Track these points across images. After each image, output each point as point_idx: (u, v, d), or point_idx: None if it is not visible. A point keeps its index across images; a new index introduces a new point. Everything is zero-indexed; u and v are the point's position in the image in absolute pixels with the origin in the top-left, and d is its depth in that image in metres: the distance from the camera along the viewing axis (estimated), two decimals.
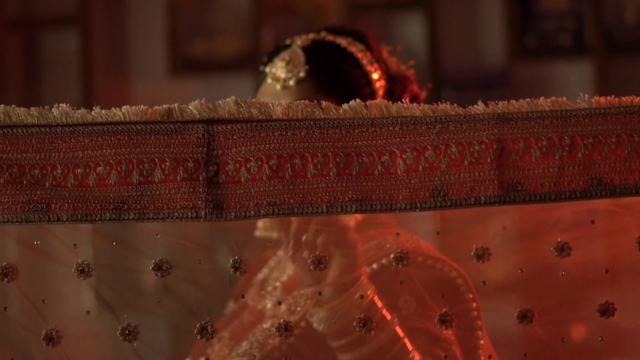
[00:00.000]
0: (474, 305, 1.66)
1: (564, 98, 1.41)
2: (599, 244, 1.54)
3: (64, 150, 1.43)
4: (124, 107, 1.43)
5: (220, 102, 1.42)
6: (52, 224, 1.42)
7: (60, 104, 1.44)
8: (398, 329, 1.54)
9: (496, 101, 1.42)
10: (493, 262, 1.55)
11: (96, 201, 1.41)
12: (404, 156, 1.42)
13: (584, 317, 1.56)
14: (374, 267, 1.72)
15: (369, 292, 1.53)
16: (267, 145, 1.42)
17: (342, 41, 1.88)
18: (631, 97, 1.41)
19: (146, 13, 4.71)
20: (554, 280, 1.53)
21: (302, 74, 1.83)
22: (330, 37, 1.89)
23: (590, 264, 1.52)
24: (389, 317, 1.54)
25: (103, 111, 1.43)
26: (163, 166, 1.41)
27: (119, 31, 4.73)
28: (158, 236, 1.50)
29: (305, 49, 1.86)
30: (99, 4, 4.69)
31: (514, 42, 4.44)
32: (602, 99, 1.41)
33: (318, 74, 1.84)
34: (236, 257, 1.48)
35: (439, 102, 1.42)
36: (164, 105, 1.43)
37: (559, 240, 1.49)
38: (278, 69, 1.84)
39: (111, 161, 1.42)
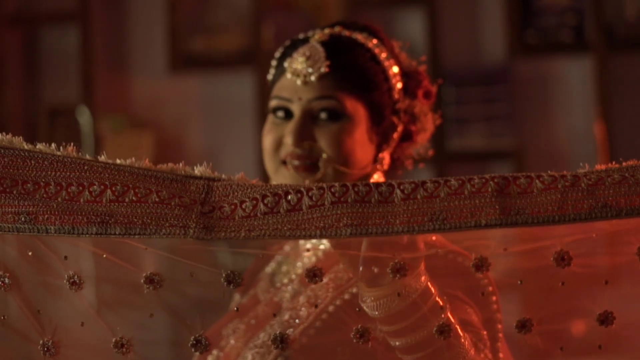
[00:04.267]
0: (494, 298, 1.67)
1: (564, 172, 1.42)
2: (599, 254, 1.52)
3: (61, 170, 1.44)
4: (129, 161, 1.45)
5: (225, 176, 1.45)
6: (42, 236, 1.43)
7: (67, 147, 1.46)
8: (450, 315, 1.52)
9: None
10: (492, 272, 1.55)
11: (83, 214, 1.40)
12: (401, 187, 1.41)
13: (583, 326, 1.55)
14: None
15: (423, 278, 1.50)
16: (263, 186, 1.43)
17: (359, 36, 1.88)
18: (633, 161, 1.41)
19: (146, 9, 4.70)
20: (553, 290, 1.52)
21: (323, 69, 1.83)
22: (346, 32, 1.89)
23: (590, 274, 1.51)
24: (441, 303, 1.51)
25: (109, 161, 1.44)
26: (159, 194, 1.42)
27: (119, 27, 4.73)
28: (146, 249, 1.49)
29: (325, 44, 1.86)
30: (99, 0, 4.68)
31: (514, 38, 4.44)
32: (603, 166, 1.42)
33: (339, 69, 1.84)
34: (229, 272, 1.47)
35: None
36: (169, 164, 1.45)
37: (560, 249, 1.47)
38: (298, 64, 1.84)
39: (107, 182, 1.43)
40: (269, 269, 1.95)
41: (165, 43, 4.62)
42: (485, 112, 4.46)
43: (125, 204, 1.41)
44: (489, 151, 4.46)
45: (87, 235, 1.41)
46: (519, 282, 1.55)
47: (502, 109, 4.46)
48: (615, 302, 1.50)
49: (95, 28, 4.62)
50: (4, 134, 1.48)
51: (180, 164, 1.45)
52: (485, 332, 1.64)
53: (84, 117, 4.55)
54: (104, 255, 1.51)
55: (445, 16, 4.53)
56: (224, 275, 1.46)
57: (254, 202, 1.42)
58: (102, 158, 1.46)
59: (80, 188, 1.42)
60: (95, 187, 1.42)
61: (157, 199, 1.41)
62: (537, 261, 1.50)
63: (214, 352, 1.79)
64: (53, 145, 1.47)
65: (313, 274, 1.49)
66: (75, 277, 1.48)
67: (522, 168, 4.41)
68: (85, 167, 1.43)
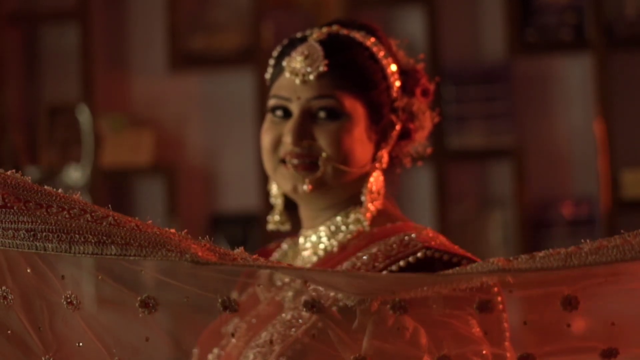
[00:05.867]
0: (499, 299, 1.67)
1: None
2: (607, 295, 1.51)
3: (66, 198, 1.44)
4: None
5: None
6: (40, 253, 1.43)
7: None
8: None
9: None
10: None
11: (80, 232, 1.40)
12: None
13: (586, 359, 1.54)
14: (401, 264, 1.72)
15: None
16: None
17: (357, 35, 1.88)
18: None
19: (146, 8, 4.70)
20: (558, 331, 1.51)
21: (322, 69, 1.83)
22: (344, 31, 1.88)
23: (597, 316, 1.50)
24: None
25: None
26: (161, 231, 1.43)
27: (119, 26, 4.73)
28: (142, 272, 1.48)
29: (323, 43, 1.85)
30: None
31: (514, 36, 4.44)
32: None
33: (337, 68, 1.83)
34: (225, 298, 1.47)
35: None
36: None
37: (567, 294, 1.45)
38: (297, 63, 1.84)
39: (111, 214, 1.43)
40: None
41: (165, 42, 4.62)
42: (485, 111, 4.46)
43: (124, 228, 1.40)
44: (488, 149, 4.46)
45: (83, 255, 1.40)
46: (523, 323, 1.55)
47: (502, 107, 4.46)
48: (622, 340, 1.49)
49: (95, 27, 4.62)
50: (14, 170, 1.48)
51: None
52: (486, 347, 1.64)
53: (84, 115, 4.55)
54: (100, 277, 1.50)
55: (445, 14, 4.53)
56: (219, 300, 1.46)
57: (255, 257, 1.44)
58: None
59: (82, 212, 1.42)
60: (98, 213, 1.42)
61: (157, 232, 1.41)
62: (544, 305, 1.50)
63: (215, 350, 1.79)
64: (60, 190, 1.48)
65: (311, 305, 1.50)
66: (73, 297, 1.48)
67: (522, 166, 4.42)
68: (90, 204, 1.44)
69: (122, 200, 4.71)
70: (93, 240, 1.39)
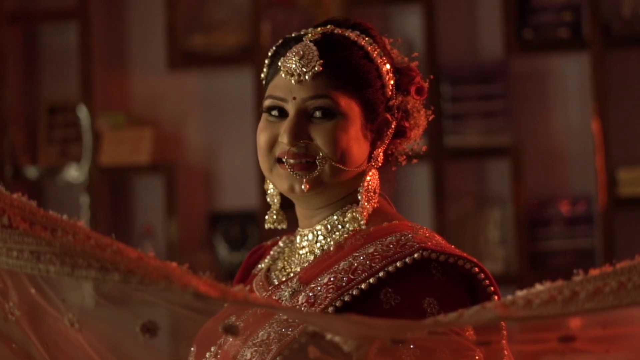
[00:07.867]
0: (496, 298, 1.68)
1: (560, 280, 1.42)
2: (605, 329, 1.53)
3: (71, 224, 1.44)
4: None
5: None
6: (43, 275, 1.43)
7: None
8: None
9: None
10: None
11: (84, 257, 1.39)
12: None
13: None
14: (398, 265, 1.74)
15: None
16: None
17: (351, 34, 1.89)
18: (625, 262, 1.40)
19: (145, 6, 4.71)
20: (552, 353, 1.53)
21: (317, 68, 1.83)
22: (338, 31, 1.89)
23: (593, 347, 1.52)
24: None
25: None
26: (165, 262, 1.44)
27: (118, 25, 4.74)
28: (144, 297, 1.49)
29: (318, 43, 1.86)
30: None
31: (511, 35, 4.45)
32: (597, 271, 1.40)
33: (332, 68, 1.84)
34: (226, 323, 1.48)
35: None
36: None
37: (566, 334, 1.45)
38: (292, 63, 1.84)
39: (115, 242, 1.43)
40: (263, 264, 1.96)
41: (164, 40, 4.63)
42: (483, 109, 4.47)
43: (128, 257, 1.40)
44: (486, 148, 4.47)
45: (85, 279, 1.39)
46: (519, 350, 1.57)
47: (499, 106, 4.47)
48: None
49: (94, 25, 4.63)
50: (19, 194, 1.48)
51: None
52: (478, 352, 1.66)
53: (83, 114, 4.57)
54: (101, 301, 1.51)
55: (442, 13, 4.54)
56: (222, 325, 1.47)
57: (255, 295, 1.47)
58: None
59: (87, 238, 1.42)
60: (103, 240, 1.42)
61: (160, 264, 1.41)
62: (542, 344, 1.51)
63: (212, 348, 1.79)
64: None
65: (313, 332, 1.53)
66: (74, 319, 1.50)
67: (519, 164, 4.43)
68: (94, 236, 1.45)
69: (121, 199, 4.73)
70: (96, 266, 1.38)
